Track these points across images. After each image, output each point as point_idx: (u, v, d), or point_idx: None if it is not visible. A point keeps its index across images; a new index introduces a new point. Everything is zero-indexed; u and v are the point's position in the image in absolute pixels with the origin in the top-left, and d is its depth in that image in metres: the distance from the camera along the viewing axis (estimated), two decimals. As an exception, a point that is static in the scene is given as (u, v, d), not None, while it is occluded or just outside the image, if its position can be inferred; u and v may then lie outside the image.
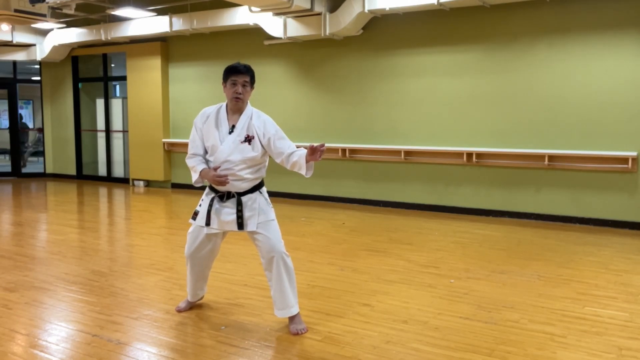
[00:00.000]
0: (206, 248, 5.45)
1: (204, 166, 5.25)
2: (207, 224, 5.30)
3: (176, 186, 15.29)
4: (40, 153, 19.51)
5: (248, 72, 5.20)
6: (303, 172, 5.05)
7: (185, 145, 14.54)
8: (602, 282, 6.67)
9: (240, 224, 5.20)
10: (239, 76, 5.13)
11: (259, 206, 5.24)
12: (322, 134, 12.55)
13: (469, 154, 10.87)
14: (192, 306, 5.82)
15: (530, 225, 9.98)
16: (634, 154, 9.46)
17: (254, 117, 5.22)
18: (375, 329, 5.24)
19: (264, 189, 5.39)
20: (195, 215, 5.44)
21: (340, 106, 12.35)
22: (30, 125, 24.81)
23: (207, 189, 5.40)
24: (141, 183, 15.74)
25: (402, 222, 10.41)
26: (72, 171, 17.63)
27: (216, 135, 5.19)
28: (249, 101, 5.28)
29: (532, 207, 10.44)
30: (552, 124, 10.17)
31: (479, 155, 10.84)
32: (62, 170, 17.88)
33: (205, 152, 5.33)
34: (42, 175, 18.15)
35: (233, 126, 5.19)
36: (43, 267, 7.41)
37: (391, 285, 6.60)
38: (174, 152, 15.25)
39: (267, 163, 5.37)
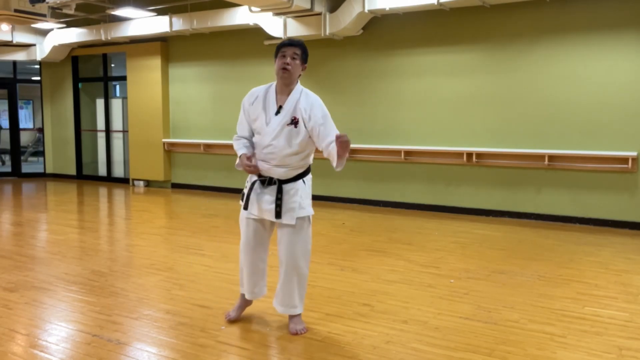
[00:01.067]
0: (250, 235, 5.18)
1: (245, 150, 5.09)
2: (246, 207, 5.11)
3: (176, 186, 15.29)
4: (40, 153, 19.52)
5: (299, 45, 4.98)
6: (334, 164, 4.88)
7: (186, 145, 14.66)
8: (602, 282, 6.67)
9: (278, 213, 4.98)
10: (288, 48, 4.93)
11: (300, 198, 5.04)
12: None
13: (469, 154, 10.87)
14: (243, 311, 5.49)
15: (530, 225, 9.98)
16: (634, 154, 9.46)
17: (302, 97, 5.00)
18: (375, 329, 5.24)
19: (309, 178, 5.20)
20: (242, 196, 5.22)
21: (340, 106, 12.34)
22: (30, 126, 24.81)
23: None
24: (141, 183, 15.74)
25: (402, 222, 10.41)
26: (72, 171, 17.63)
27: (263, 117, 4.99)
28: (299, 81, 5.09)
29: (532, 207, 10.45)
30: (552, 124, 10.17)
31: (479, 155, 10.84)
32: (62, 170, 17.88)
33: (252, 134, 5.16)
34: (42, 175, 18.15)
35: (280, 107, 4.98)
36: (43, 267, 7.41)
37: (391, 285, 6.60)
38: (174, 152, 15.24)
39: (314, 149, 5.15)
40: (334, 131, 4.99)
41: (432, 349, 4.78)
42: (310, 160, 5.18)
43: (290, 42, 4.95)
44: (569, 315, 5.57)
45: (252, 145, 5.16)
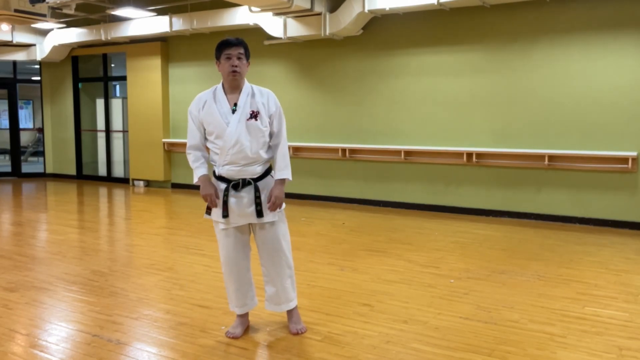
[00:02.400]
0: (232, 246, 5.03)
1: (203, 172, 4.96)
2: (225, 215, 4.89)
3: (176, 186, 15.29)
4: (40, 153, 19.52)
5: (241, 44, 4.92)
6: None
7: (185, 145, 14.59)
8: (602, 282, 6.67)
9: (260, 212, 4.89)
10: (232, 49, 4.86)
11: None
12: (321, 134, 12.56)
13: (469, 154, 10.87)
14: (246, 327, 5.25)
15: (530, 225, 9.98)
16: (634, 154, 9.46)
17: (256, 92, 4.94)
18: (375, 329, 5.24)
19: (273, 172, 5.08)
20: (208, 209, 5.05)
21: (340, 106, 12.35)
22: (30, 126, 24.81)
23: (213, 179, 5.02)
24: (141, 183, 15.74)
25: (402, 222, 10.41)
26: (72, 171, 17.63)
27: (218, 118, 4.81)
28: (246, 78, 4.98)
29: (532, 207, 10.44)
30: (552, 124, 10.17)
31: (479, 155, 10.83)
32: (62, 170, 17.88)
33: (205, 139, 4.99)
34: (42, 175, 18.15)
35: (235, 104, 4.85)
36: (43, 267, 7.42)
37: (391, 285, 6.60)
38: (174, 152, 15.24)
39: None
40: (283, 128, 5.01)
41: (432, 349, 4.79)
42: (272, 153, 5.05)
43: (233, 42, 4.90)
44: (569, 315, 5.57)
45: (206, 159, 5.06)
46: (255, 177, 4.90)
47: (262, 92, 4.97)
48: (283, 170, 4.95)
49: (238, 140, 4.78)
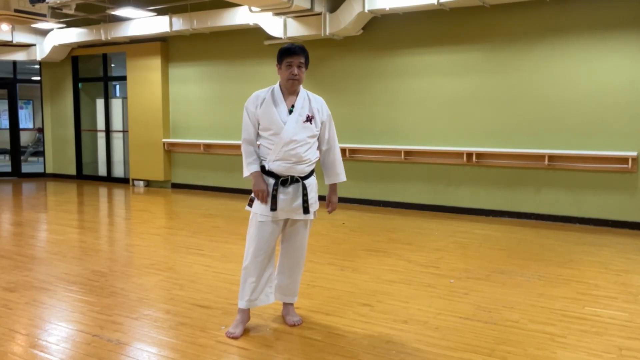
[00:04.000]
0: (267, 238, 5.18)
1: (256, 168, 5.14)
2: (274, 209, 5.09)
3: (176, 186, 15.29)
4: (40, 153, 19.52)
5: (303, 52, 5.12)
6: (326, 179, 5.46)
7: (185, 145, 14.65)
8: (602, 282, 6.67)
9: (306, 209, 5.18)
10: (294, 57, 5.07)
11: (316, 193, 5.34)
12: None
13: (469, 154, 10.87)
14: (245, 326, 5.29)
15: (530, 225, 9.98)
16: (634, 154, 9.46)
17: (312, 98, 5.22)
18: (375, 329, 5.24)
19: (315, 174, 5.38)
20: (251, 202, 5.24)
21: (341, 106, 12.34)
22: (30, 126, 24.81)
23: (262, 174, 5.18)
24: (141, 183, 15.74)
25: (402, 222, 10.41)
26: (72, 171, 17.63)
27: (276, 116, 5.06)
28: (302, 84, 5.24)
29: (532, 207, 10.44)
30: (552, 124, 10.17)
31: (479, 155, 10.83)
32: (62, 170, 17.88)
33: (257, 136, 5.21)
34: (42, 175, 18.15)
35: (292, 106, 5.12)
36: (43, 267, 7.41)
37: (391, 285, 6.60)
38: (174, 152, 15.24)
39: None
40: (334, 134, 5.36)
41: (432, 349, 4.78)
42: (318, 155, 5.34)
43: (295, 51, 5.07)
44: (569, 315, 5.57)
45: (258, 155, 5.23)
46: (302, 175, 5.16)
47: (317, 99, 5.28)
48: (339, 175, 5.47)
49: (293, 139, 5.02)
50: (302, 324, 5.37)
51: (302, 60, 5.11)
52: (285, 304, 5.47)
